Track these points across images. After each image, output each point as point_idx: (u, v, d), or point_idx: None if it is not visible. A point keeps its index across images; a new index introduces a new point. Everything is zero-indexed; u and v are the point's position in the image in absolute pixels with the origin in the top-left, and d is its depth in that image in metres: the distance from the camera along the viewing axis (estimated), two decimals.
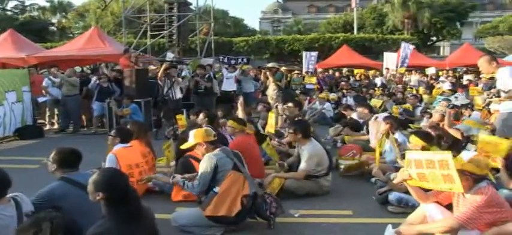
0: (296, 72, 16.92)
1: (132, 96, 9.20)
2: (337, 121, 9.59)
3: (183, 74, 11.70)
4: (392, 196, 4.45)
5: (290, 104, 8.10)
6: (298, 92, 13.36)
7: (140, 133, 5.37)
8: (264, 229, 4.02)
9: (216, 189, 3.92)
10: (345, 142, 7.55)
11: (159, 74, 10.12)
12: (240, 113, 6.73)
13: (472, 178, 3.01)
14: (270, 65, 14.18)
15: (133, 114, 8.84)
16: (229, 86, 12.37)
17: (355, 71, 20.92)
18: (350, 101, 12.38)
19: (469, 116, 7.79)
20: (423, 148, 4.20)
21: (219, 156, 4.01)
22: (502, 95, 5.41)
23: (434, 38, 41.68)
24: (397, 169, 4.69)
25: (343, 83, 15.52)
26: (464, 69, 20.70)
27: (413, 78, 17.26)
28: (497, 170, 4.46)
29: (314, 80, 15.63)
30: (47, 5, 47.08)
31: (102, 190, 2.54)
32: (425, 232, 3.29)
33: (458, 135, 5.76)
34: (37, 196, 3.09)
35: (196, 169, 4.40)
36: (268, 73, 12.44)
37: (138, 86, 9.49)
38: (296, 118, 6.92)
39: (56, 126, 10.73)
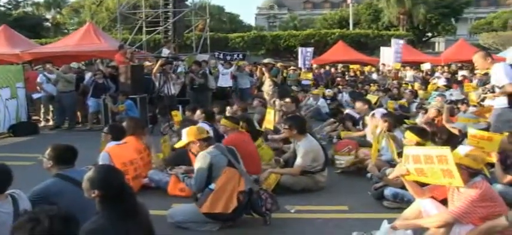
0: (292, 68, 16.95)
1: (128, 93, 9.17)
2: (334, 117, 9.62)
3: (179, 70, 11.67)
4: (388, 191, 4.47)
5: (287, 100, 8.10)
6: (294, 88, 13.35)
7: (137, 130, 5.35)
8: (260, 225, 4.03)
9: (212, 186, 3.92)
10: (341, 137, 7.56)
11: (154, 70, 10.09)
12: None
13: (467, 173, 3.03)
14: (265, 60, 14.15)
15: (128, 111, 8.81)
16: (225, 82, 12.36)
17: (351, 66, 20.98)
18: (346, 96, 12.40)
19: (465, 111, 7.82)
20: (418, 144, 4.21)
21: (213, 154, 3.99)
22: (497, 90, 5.44)
23: (429, 34, 41.88)
24: (393, 165, 4.71)
25: (339, 79, 15.55)
26: (459, 65, 20.81)
27: (409, 73, 17.32)
28: (491, 165, 4.49)
29: (310, 75, 15.65)
30: (41, 0, 46.77)
31: (98, 188, 2.53)
32: (420, 227, 3.31)
33: (455, 131, 5.79)
34: (32, 193, 3.07)
35: (192, 161, 4.39)
36: (264, 69, 12.43)
37: (134, 82, 9.46)
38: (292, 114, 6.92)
39: (51, 123, 10.68)
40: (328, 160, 5.52)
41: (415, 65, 19.83)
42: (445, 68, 18.61)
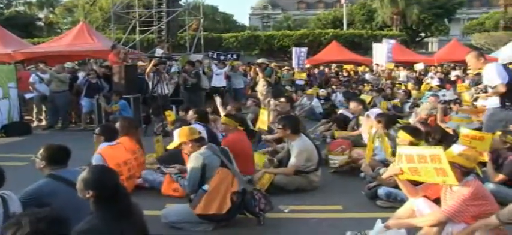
0: (286, 68, 16.97)
1: (121, 92, 9.13)
2: (328, 117, 9.64)
3: (173, 70, 11.64)
4: (382, 190, 4.49)
5: (282, 99, 8.10)
6: (288, 88, 13.36)
7: (130, 130, 5.32)
8: (254, 225, 4.03)
9: (206, 187, 3.91)
10: (335, 137, 7.58)
11: (148, 70, 10.06)
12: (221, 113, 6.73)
13: (460, 171, 3.06)
14: (259, 60, 14.15)
15: (122, 111, 8.78)
16: (219, 81, 12.35)
17: (344, 66, 21.04)
18: (339, 96, 12.44)
19: (457, 112, 7.87)
20: (411, 144, 4.23)
21: (206, 155, 3.97)
22: (489, 90, 5.49)
23: (422, 34, 42.14)
24: (386, 165, 4.73)
25: (333, 79, 15.59)
26: (452, 65, 20.96)
27: (402, 73, 17.41)
28: (483, 164, 4.53)
29: (304, 75, 15.66)
30: None
31: (92, 188, 2.52)
32: (413, 226, 3.33)
33: (449, 130, 5.83)
34: (24, 194, 3.04)
35: (186, 161, 4.37)
36: (258, 69, 12.42)
37: (127, 82, 9.43)
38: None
39: (43, 123, 10.60)
40: (321, 160, 5.53)
41: (409, 65, 19.93)
42: (439, 68, 18.73)
